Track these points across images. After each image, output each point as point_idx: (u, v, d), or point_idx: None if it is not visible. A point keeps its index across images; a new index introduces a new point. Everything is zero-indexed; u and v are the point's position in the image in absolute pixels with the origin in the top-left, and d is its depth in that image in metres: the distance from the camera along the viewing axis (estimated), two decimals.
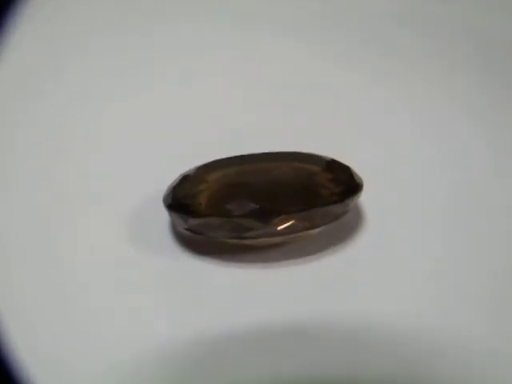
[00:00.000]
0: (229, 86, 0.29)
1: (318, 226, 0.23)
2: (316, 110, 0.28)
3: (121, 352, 0.21)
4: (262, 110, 0.28)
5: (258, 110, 0.28)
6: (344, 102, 0.28)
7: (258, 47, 0.30)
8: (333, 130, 0.27)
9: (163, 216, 0.24)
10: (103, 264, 0.23)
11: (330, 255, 0.23)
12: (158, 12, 0.32)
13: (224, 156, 0.24)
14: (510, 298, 0.22)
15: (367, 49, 0.30)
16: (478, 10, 0.31)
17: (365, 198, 0.24)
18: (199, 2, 0.32)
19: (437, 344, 0.21)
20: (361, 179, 0.23)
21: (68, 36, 0.31)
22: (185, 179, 0.24)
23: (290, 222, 0.22)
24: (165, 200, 0.23)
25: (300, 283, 0.22)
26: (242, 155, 0.24)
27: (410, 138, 0.27)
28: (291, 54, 0.30)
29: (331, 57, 0.30)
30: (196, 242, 0.23)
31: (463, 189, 0.25)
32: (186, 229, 0.23)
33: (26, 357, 0.19)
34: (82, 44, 0.30)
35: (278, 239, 0.23)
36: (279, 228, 0.22)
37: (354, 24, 0.31)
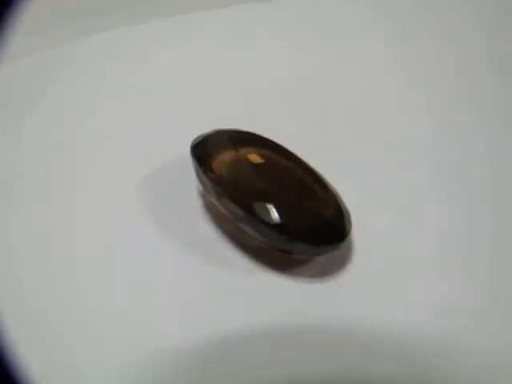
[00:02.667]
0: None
1: (292, 254, 0.22)
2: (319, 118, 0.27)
3: (121, 352, 0.21)
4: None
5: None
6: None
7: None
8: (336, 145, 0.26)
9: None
10: (106, 260, 0.23)
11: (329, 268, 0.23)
12: None
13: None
14: (509, 298, 0.22)
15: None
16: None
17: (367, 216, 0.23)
18: None
19: (437, 344, 0.21)
20: (349, 228, 0.22)
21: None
22: (221, 135, 0.24)
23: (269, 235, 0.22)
24: (194, 147, 0.23)
25: (300, 286, 0.23)
26: (285, 148, 0.24)
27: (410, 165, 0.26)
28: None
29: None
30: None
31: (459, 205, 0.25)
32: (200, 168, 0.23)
33: (26, 357, 0.19)
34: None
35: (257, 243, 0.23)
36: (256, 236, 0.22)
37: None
